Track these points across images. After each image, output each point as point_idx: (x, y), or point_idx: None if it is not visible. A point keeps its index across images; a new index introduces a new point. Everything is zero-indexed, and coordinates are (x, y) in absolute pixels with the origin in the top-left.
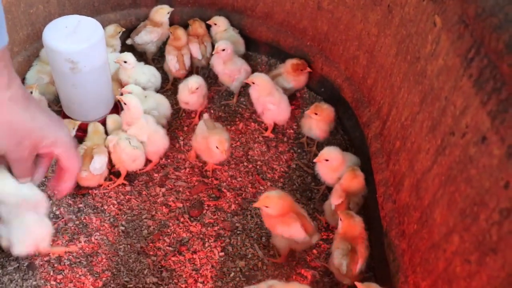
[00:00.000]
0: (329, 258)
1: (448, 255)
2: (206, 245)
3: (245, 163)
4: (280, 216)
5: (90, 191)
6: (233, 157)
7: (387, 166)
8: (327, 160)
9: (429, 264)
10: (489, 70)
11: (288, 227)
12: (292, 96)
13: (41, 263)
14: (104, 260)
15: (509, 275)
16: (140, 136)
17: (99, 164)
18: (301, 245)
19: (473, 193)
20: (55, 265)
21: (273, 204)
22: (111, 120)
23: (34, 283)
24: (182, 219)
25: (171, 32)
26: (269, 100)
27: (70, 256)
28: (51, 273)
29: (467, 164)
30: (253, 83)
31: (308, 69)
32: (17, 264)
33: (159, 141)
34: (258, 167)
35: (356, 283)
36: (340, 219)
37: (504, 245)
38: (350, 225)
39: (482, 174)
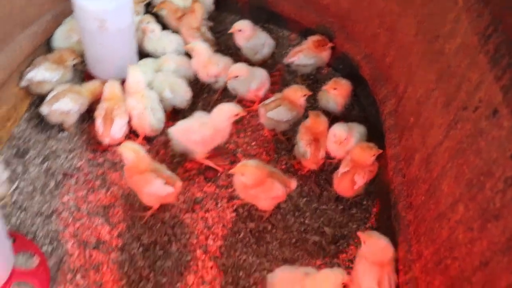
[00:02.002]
0: (294, 150)
1: (452, 223)
2: (219, 205)
3: (261, 132)
4: (257, 186)
5: (109, 148)
6: (250, 125)
7: (400, 141)
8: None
9: (433, 234)
10: (506, 46)
11: (271, 191)
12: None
13: (61, 210)
14: (121, 212)
15: (508, 239)
16: (164, 91)
17: (119, 127)
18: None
19: (481, 164)
20: (74, 213)
21: (249, 173)
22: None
23: (54, 228)
24: (197, 180)
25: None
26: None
27: (89, 206)
28: (70, 220)
29: (477, 137)
30: (237, 76)
31: (330, 44)
32: (39, 210)
33: (182, 90)
34: (274, 136)
35: (359, 234)
36: (310, 117)
37: (507, 212)
38: (317, 122)
39: (491, 145)
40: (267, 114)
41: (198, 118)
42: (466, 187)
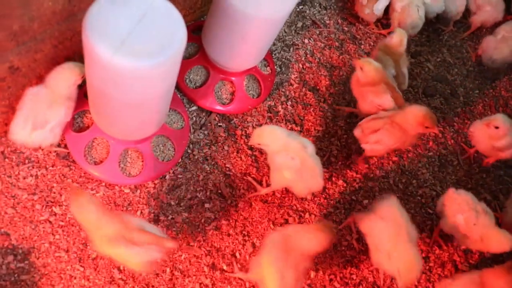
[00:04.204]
0: None
1: None
2: None
3: None
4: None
5: (356, 23)
6: None
7: None
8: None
9: None
10: None
11: None
12: None
13: (299, 47)
14: (344, 77)
15: None
16: None
17: (382, 6)
18: None
19: None
20: (308, 55)
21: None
22: None
23: (288, 56)
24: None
25: None
26: None
27: (322, 57)
28: (302, 58)
29: None
30: None
31: None
32: (282, 37)
33: None
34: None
35: None
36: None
37: None
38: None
39: None
40: None
41: None
42: None
